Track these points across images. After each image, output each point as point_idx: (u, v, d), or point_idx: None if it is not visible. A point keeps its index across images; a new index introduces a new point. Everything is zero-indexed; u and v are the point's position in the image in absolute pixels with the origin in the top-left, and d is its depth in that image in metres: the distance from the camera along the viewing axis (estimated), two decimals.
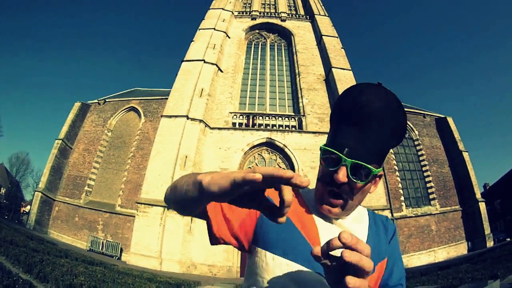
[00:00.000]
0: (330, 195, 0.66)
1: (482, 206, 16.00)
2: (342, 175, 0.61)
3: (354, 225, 0.72)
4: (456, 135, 18.40)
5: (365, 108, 0.63)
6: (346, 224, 0.71)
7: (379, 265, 0.69)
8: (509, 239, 18.09)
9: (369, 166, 0.62)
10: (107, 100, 19.82)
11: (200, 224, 13.54)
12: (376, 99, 0.63)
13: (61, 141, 17.85)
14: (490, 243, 15.15)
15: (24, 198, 40.00)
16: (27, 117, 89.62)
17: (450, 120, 19.00)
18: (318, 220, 0.70)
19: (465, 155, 17.59)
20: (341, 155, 0.62)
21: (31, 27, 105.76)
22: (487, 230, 15.52)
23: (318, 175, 0.71)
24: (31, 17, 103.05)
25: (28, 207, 29.00)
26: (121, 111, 19.11)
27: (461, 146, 17.95)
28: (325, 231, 0.68)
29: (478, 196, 16.42)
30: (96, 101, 19.90)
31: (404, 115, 0.67)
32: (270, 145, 15.75)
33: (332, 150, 0.63)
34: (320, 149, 0.67)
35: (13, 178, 36.33)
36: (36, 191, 17.06)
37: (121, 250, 14.35)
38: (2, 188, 35.34)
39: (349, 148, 0.62)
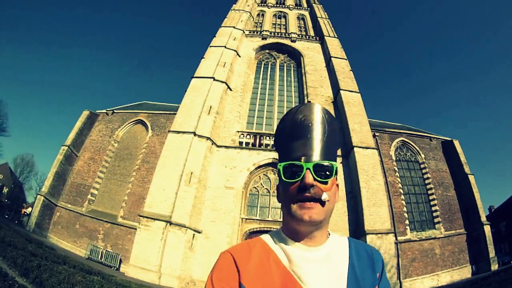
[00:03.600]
0: (304, 202, 0.68)
1: (487, 229, 15.77)
2: (309, 178, 0.67)
3: (331, 257, 0.72)
4: (462, 158, 18.23)
5: (304, 122, 0.73)
6: (321, 257, 0.71)
7: None
8: None
9: (328, 161, 0.70)
10: (115, 111, 20.00)
11: (201, 241, 13.47)
12: (310, 114, 0.74)
13: (67, 147, 17.92)
14: (494, 266, 14.85)
15: (26, 200, 40.13)
16: (35, 120, 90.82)
17: (456, 143, 18.87)
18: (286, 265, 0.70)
19: (471, 178, 17.41)
20: (301, 163, 0.69)
21: (45, 30, 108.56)
22: (492, 253, 15.25)
23: (283, 197, 0.72)
24: (45, 19, 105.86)
25: (29, 209, 29.03)
26: (129, 123, 19.24)
27: (467, 169, 17.77)
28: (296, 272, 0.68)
29: (483, 219, 16.17)
30: (104, 111, 20.08)
31: (335, 120, 0.79)
32: (276, 165, 15.65)
33: (293, 162, 0.70)
34: (279, 168, 0.72)
35: (17, 179, 36.54)
36: (38, 194, 17.09)
37: (120, 261, 14.20)
38: (5, 187, 35.45)
39: (305, 156, 0.69)
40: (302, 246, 0.71)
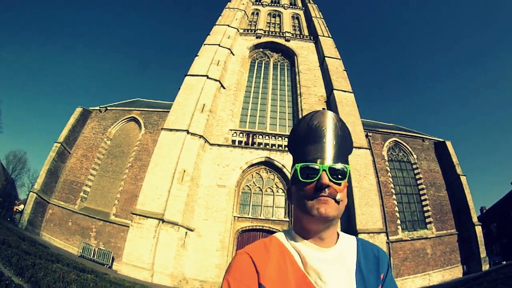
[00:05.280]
0: (320, 197, 0.72)
1: (479, 229, 15.94)
2: (325, 178, 0.72)
3: (342, 258, 0.76)
4: (454, 159, 18.38)
5: (318, 128, 0.78)
6: (333, 258, 0.75)
7: None
8: (504, 262, 17.92)
9: (343, 164, 0.75)
10: (108, 108, 19.87)
11: (194, 239, 13.47)
12: (324, 120, 0.79)
13: (60, 144, 17.75)
14: (485, 267, 15.02)
15: (18, 197, 39.61)
16: (27, 116, 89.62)
17: (448, 144, 19.02)
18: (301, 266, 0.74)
19: (463, 179, 17.57)
20: (318, 164, 0.74)
21: (38, 28, 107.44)
22: (483, 253, 15.43)
23: (297, 197, 0.76)
24: (37, 17, 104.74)
25: (22, 206, 28.69)
26: (122, 120, 19.14)
27: (459, 170, 17.94)
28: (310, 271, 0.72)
29: (475, 219, 16.36)
30: (97, 108, 19.95)
31: (346, 127, 0.84)
32: (268, 164, 15.81)
33: (309, 164, 0.74)
34: (296, 169, 0.76)
35: (9, 176, 36.05)
36: (31, 191, 16.88)
37: (113, 259, 14.16)
38: None
39: (321, 159, 0.74)
40: (315, 247, 0.75)
